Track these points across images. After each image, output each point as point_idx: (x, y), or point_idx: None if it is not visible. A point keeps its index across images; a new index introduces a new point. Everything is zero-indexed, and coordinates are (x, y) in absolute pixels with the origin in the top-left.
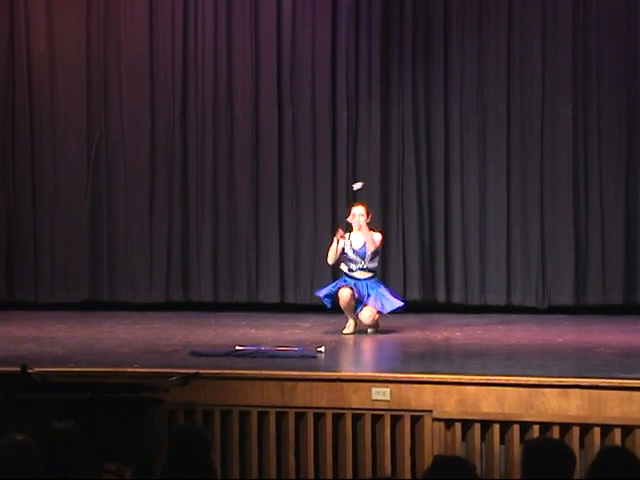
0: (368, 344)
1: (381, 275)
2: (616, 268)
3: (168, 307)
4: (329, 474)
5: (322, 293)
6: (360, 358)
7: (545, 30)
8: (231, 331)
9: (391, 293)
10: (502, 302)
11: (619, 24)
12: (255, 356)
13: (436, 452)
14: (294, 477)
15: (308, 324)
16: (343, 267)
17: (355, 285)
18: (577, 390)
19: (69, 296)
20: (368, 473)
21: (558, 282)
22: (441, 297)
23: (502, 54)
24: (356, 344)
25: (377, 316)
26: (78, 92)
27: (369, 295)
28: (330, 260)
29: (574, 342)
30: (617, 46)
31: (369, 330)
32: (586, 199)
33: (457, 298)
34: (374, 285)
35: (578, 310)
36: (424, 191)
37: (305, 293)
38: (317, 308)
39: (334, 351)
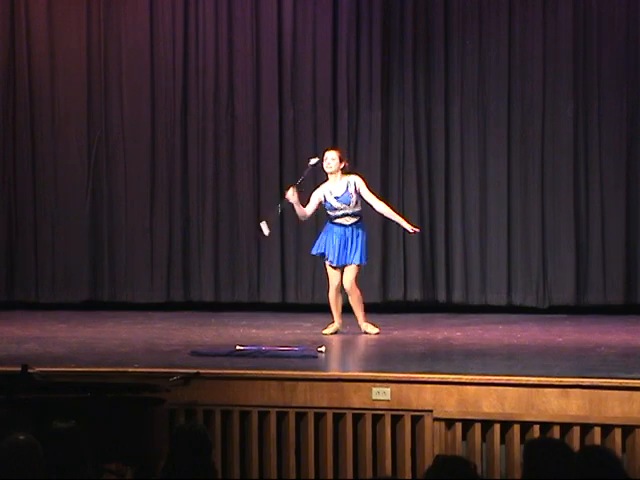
0: (368, 344)
1: (381, 275)
2: (616, 268)
3: (169, 307)
4: (330, 474)
5: (315, 251)
6: (360, 358)
7: (546, 30)
8: (232, 331)
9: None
10: (503, 302)
11: (620, 24)
12: (256, 356)
13: (437, 452)
14: (294, 477)
15: (309, 324)
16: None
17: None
18: (577, 390)
19: (70, 296)
20: (369, 473)
21: (558, 282)
22: (441, 297)
23: (503, 54)
24: (356, 344)
25: (357, 289)
26: (78, 92)
27: (353, 249)
28: (302, 219)
29: (575, 342)
30: (618, 46)
31: (370, 330)
32: (586, 199)
33: (457, 298)
34: (359, 232)
35: (578, 310)
36: (424, 191)
37: (306, 293)
38: (318, 308)
39: (335, 351)
